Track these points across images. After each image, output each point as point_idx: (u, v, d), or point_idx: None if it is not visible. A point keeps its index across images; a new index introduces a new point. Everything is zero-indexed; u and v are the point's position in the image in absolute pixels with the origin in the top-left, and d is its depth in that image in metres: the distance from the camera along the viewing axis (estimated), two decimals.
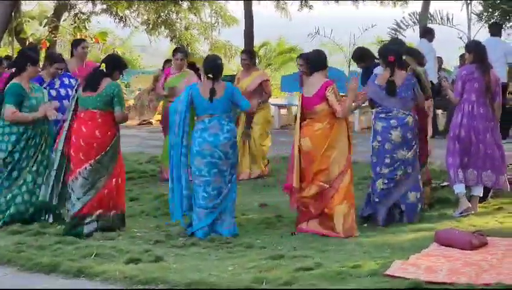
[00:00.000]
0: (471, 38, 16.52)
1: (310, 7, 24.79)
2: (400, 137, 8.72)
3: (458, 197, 9.08)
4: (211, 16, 27.57)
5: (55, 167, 8.54)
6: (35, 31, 25.75)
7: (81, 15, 25.97)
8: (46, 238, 7.98)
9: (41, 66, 9.65)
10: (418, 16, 18.50)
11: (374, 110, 8.99)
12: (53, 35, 24.16)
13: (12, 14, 21.73)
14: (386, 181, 8.74)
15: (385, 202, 8.74)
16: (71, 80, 9.71)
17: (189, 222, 8.30)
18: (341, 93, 8.65)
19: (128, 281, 6.38)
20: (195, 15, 28.01)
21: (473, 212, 8.98)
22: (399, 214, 8.77)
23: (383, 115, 8.80)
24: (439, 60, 16.63)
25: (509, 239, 7.67)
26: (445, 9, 18.32)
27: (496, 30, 14.37)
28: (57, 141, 8.63)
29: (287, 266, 6.69)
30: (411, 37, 19.04)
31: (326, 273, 6.32)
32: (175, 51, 12.32)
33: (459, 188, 9.06)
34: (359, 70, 10.94)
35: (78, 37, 23.95)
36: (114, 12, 26.47)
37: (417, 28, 18.32)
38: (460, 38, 18.14)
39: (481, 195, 9.25)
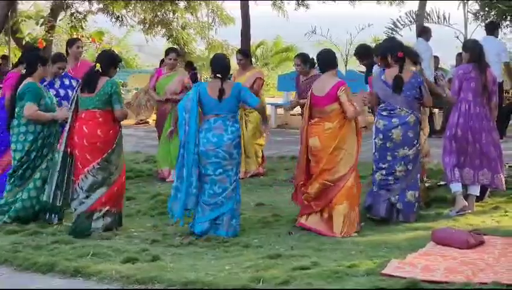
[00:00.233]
0: (468, 38, 16.52)
1: (307, 6, 24.78)
2: (401, 136, 8.76)
3: (455, 196, 9.08)
4: (207, 16, 27.52)
5: (57, 168, 8.54)
6: (31, 30, 25.71)
7: (78, 14, 25.93)
8: (43, 238, 7.98)
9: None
10: (414, 15, 18.47)
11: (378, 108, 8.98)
12: (49, 35, 24.13)
13: (9, 13, 21.74)
14: (385, 173, 8.81)
15: (384, 193, 8.79)
16: (71, 81, 9.72)
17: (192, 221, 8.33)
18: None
19: (125, 280, 6.38)
20: (192, 14, 27.98)
21: (469, 211, 8.99)
22: (396, 212, 8.79)
23: (385, 113, 8.82)
24: (436, 59, 16.67)
25: (505, 238, 7.69)
26: (442, 8, 18.30)
27: (491, 29, 14.38)
28: (60, 141, 8.63)
29: (284, 265, 6.69)
30: (408, 36, 19.03)
31: (323, 273, 6.32)
32: (168, 51, 12.32)
33: (456, 187, 9.07)
34: (356, 69, 10.96)
35: (75, 36, 23.98)
36: (111, 12, 26.44)
37: (414, 27, 18.31)
38: (457, 37, 18.13)
39: (478, 194, 9.26)
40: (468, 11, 18.07)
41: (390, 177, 8.80)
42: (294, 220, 8.79)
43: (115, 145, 8.29)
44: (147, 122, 19.51)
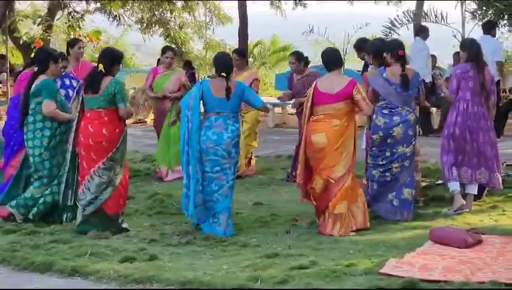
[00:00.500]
0: (465, 37, 16.54)
1: (304, 6, 24.79)
2: (402, 134, 8.82)
3: (453, 195, 9.09)
4: (205, 15, 27.53)
5: (67, 168, 8.55)
6: (29, 30, 25.66)
7: (75, 14, 25.91)
8: (41, 237, 7.98)
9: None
10: (412, 14, 18.49)
11: (376, 105, 8.96)
12: (47, 34, 24.11)
13: (6, 13, 21.72)
14: (382, 171, 8.87)
15: (383, 191, 8.87)
16: (72, 81, 9.71)
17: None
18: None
19: (123, 280, 6.37)
20: (190, 14, 27.97)
21: (467, 210, 8.99)
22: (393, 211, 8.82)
23: (386, 111, 8.85)
24: (433, 58, 16.66)
25: (504, 237, 7.69)
26: (440, 7, 18.33)
27: (488, 28, 14.39)
28: (69, 141, 8.62)
29: (282, 264, 6.68)
30: (405, 35, 19.03)
31: (321, 272, 6.32)
32: (165, 50, 12.31)
33: (454, 186, 9.07)
34: (354, 68, 10.95)
35: (72, 36, 23.95)
36: (108, 11, 26.42)
37: (411, 26, 18.33)
38: (455, 36, 18.15)
39: (475, 193, 9.27)
40: (465, 10, 18.10)
41: (387, 174, 8.86)
42: (292, 219, 8.80)
43: (119, 144, 8.29)
44: (145, 122, 19.50)
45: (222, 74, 8.33)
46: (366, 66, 10.38)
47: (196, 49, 29.00)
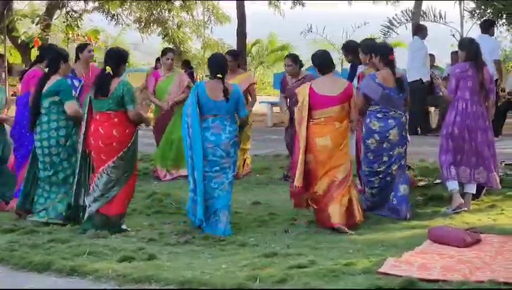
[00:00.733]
0: (464, 36, 16.55)
1: (303, 5, 24.79)
2: (397, 136, 8.87)
3: (451, 194, 9.09)
4: (203, 14, 27.52)
5: (77, 170, 8.53)
6: (27, 29, 25.71)
7: (73, 13, 25.91)
8: (39, 236, 7.96)
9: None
10: (410, 13, 18.50)
11: (368, 109, 8.95)
12: (45, 34, 24.12)
13: (4, 12, 21.72)
14: (382, 176, 8.88)
15: (384, 194, 8.90)
16: (74, 81, 9.71)
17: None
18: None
19: (122, 279, 6.36)
20: (188, 13, 27.99)
21: (465, 209, 8.98)
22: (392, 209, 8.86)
23: (380, 115, 8.85)
24: (432, 58, 16.65)
25: (502, 236, 7.69)
26: (438, 6, 18.36)
27: (486, 27, 14.40)
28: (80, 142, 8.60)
29: (280, 263, 6.67)
30: (404, 34, 19.06)
31: (319, 271, 6.31)
32: (165, 51, 12.25)
33: (452, 185, 9.07)
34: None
35: (71, 35, 23.97)
36: (106, 11, 26.43)
37: (410, 25, 18.34)
38: (453, 35, 18.17)
39: (474, 192, 9.27)
40: (464, 10, 18.12)
41: (388, 178, 8.87)
42: (291, 218, 8.79)
43: (130, 144, 8.29)
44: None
45: (218, 75, 8.31)
46: (353, 69, 10.32)
47: (194, 49, 29.02)
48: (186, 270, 6.53)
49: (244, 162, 11.87)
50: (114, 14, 26.80)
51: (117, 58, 8.40)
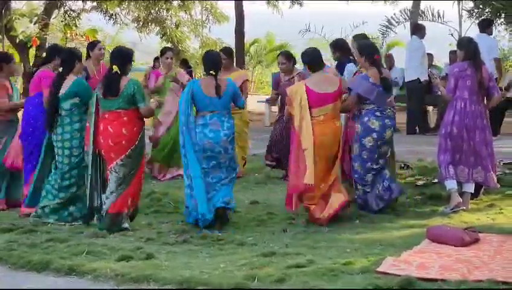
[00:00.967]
0: (462, 35, 16.56)
1: (301, 4, 24.80)
2: (391, 135, 9.04)
3: (450, 193, 9.09)
4: (201, 14, 27.51)
5: (89, 171, 8.51)
6: (25, 28, 25.62)
7: (72, 12, 25.89)
8: (38, 236, 7.97)
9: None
10: (409, 12, 18.50)
11: (363, 108, 8.95)
12: (43, 33, 24.07)
13: (2, 11, 21.69)
14: (374, 173, 8.95)
15: (373, 185, 8.97)
16: None
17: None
18: None
19: (120, 278, 6.35)
20: (186, 12, 27.95)
21: (464, 208, 8.99)
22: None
23: (378, 114, 8.91)
24: (430, 57, 16.66)
25: (501, 236, 7.68)
26: (436, 6, 18.36)
27: (484, 26, 14.40)
28: (87, 143, 8.59)
29: (279, 263, 6.67)
30: (402, 33, 19.06)
31: (318, 271, 6.31)
32: (165, 50, 12.25)
33: (451, 184, 9.07)
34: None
35: (69, 34, 23.93)
36: (104, 10, 26.41)
37: (408, 24, 18.34)
38: (451, 35, 18.18)
39: (472, 191, 9.27)
40: (462, 9, 18.14)
41: (376, 173, 8.96)
42: (289, 217, 8.79)
43: (137, 141, 8.32)
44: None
45: (211, 72, 8.39)
46: (340, 66, 10.31)
47: (192, 48, 28.98)
48: (184, 269, 6.53)
49: (244, 163, 11.89)
50: (112, 14, 26.75)
51: (122, 57, 8.45)
